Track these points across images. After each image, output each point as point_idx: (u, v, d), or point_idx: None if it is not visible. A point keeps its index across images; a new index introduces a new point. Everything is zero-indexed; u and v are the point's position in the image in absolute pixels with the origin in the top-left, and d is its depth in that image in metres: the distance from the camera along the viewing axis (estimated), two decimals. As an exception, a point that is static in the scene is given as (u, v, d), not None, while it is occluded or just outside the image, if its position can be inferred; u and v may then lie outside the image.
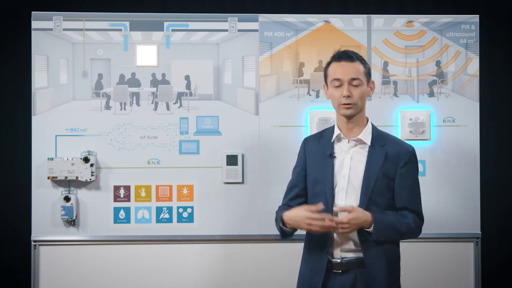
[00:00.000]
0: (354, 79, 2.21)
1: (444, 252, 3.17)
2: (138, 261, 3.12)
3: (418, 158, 3.09)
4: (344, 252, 2.24)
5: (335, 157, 2.28)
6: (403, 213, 2.25)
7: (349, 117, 2.25)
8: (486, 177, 3.34)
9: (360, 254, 2.22)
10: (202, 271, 3.14)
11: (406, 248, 3.07)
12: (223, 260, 3.14)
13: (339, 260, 2.23)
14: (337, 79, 2.22)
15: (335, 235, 2.24)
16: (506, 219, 3.57)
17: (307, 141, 2.43)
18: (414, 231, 2.28)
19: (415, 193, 2.31)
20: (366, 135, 2.27)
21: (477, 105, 3.20)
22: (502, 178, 3.56)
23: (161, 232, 3.13)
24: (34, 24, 3.11)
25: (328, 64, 2.29)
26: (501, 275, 3.55)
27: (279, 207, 2.40)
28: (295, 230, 2.27)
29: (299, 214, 2.19)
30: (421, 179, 3.09)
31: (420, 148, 3.16)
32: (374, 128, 2.31)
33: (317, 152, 2.33)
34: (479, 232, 3.18)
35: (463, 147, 3.18)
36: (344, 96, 2.20)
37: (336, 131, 2.30)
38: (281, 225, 2.27)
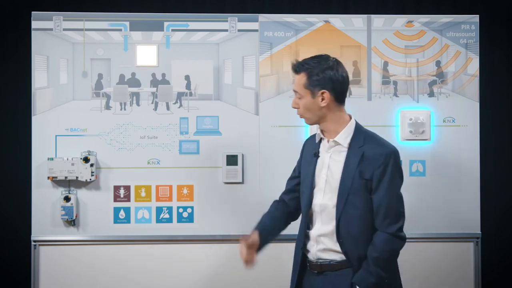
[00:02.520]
0: (295, 91, 2.26)
1: (444, 252, 3.17)
2: (138, 261, 3.12)
3: (418, 158, 3.15)
4: (320, 252, 2.25)
5: (319, 156, 2.30)
6: (372, 243, 2.19)
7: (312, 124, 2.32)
8: (486, 177, 3.33)
9: (335, 257, 2.22)
10: (202, 271, 3.14)
11: (406, 247, 3.08)
12: (223, 260, 3.14)
13: (314, 261, 2.26)
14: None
15: (310, 234, 2.27)
16: (506, 219, 3.57)
17: (306, 141, 2.47)
18: (391, 248, 2.21)
19: (391, 193, 2.19)
20: (343, 137, 2.23)
21: (477, 105, 3.20)
22: (502, 178, 3.56)
23: (161, 232, 3.13)
24: (34, 24, 3.11)
25: None
26: (501, 275, 3.55)
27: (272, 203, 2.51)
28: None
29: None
30: (421, 179, 3.15)
31: (420, 148, 3.16)
32: (357, 128, 2.26)
33: (309, 152, 2.37)
34: (479, 232, 3.18)
35: (463, 147, 3.18)
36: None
37: (318, 131, 2.33)
38: None
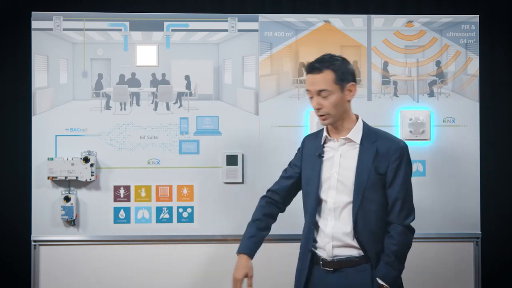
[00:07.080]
0: (321, 91, 2.21)
1: (444, 252, 3.17)
2: (138, 261, 3.12)
3: (418, 158, 3.16)
4: (336, 249, 2.24)
5: (323, 157, 2.30)
6: (390, 236, 2.24)
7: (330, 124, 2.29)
8: (486, 177, 3.34)
9: (353, 253, 2.23)
10: (202, 271, 3.14)
11: (406, 248, 3.08)
12: (223, 260, 3.13)
13: (330, 258, 2.25)
14: (308, 91, 2.26)
15: (323, 232, 2.26)
16: (506, 219, 3.57)
17: (305, 140, 2.47)
18: (407, 242, 2.26)
19: (406, 187, 2.26)
20: (355, 134, 2.28)
21: (477, 105, 3.20)
22: (502, 178, 3.56)
23: (161, 232, 3.13)
24: (34, 24, 3.11)
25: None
26: (501, 275, 3.55)
27: (260, 202, 2.47)
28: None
29: (240, 267, 2.31)
30: (421, 179, 3.16)
31: (420, 148, 3.16)
32: (365, 125, 2.32)
33: (311, 152, 2.37)
34: (479, 232, 3.18)
35: (463, 147, 3.18)
36: (315, 109, 2.25)
37: (324, 133, 2.34)
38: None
